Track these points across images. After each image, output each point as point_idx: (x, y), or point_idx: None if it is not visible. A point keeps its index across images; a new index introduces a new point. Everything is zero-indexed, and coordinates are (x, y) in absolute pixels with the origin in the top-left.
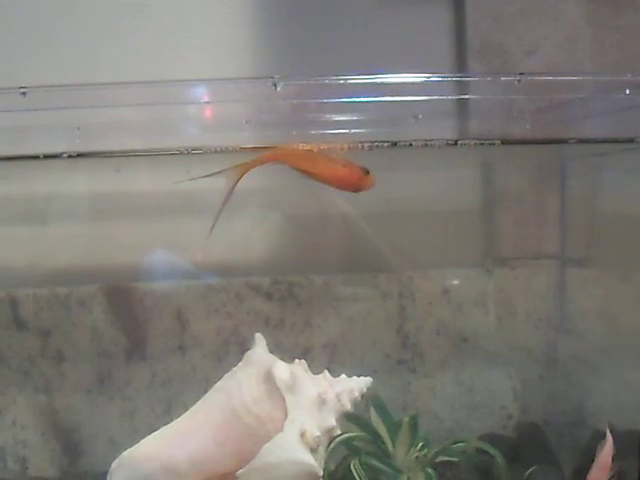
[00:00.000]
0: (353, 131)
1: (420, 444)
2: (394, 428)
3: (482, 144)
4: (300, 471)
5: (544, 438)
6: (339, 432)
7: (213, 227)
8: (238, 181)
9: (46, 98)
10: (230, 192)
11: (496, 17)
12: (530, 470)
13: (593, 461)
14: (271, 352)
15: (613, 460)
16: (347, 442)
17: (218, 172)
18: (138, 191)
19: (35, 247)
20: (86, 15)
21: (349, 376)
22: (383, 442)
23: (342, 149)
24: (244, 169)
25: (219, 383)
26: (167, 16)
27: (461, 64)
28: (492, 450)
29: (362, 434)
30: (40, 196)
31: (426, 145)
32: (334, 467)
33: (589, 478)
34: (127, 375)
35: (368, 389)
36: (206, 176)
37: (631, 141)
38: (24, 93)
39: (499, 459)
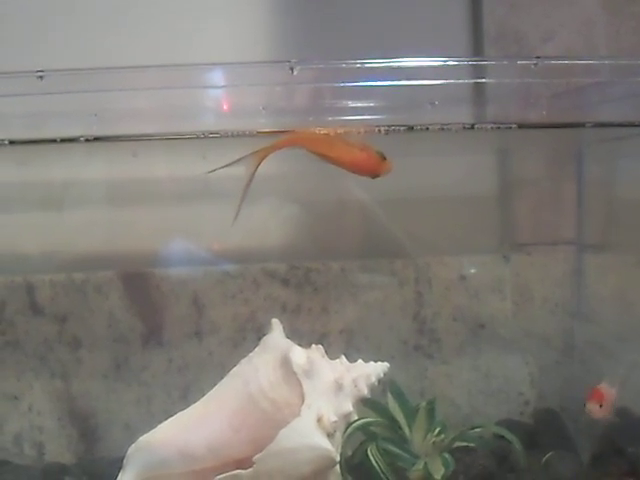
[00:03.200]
0: (369, 116)
1: (437, 430)
2: (411, 414)
3: (499, 128)
4: (317, 456)
5: (561, 424)
6: (356, 417)
7: (237, 215)
8: (258, 167)
9: (63, 82)
10: (250, 179)
11: (512, 3)
12: (547, 456)
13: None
14: (288, 338)
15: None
16: (364, 427)
17: (237, 160)
18: (155, 176)
19: (51, 233)
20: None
21: (366, 362)
22: (400, 428)
23: (358, 133)
24: (262, 155)
25: (235, 368)
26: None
27: (478, 50)
28: (509, 436)
29: (379, 419)
30: (57, 181)
31: (442, 129)
32: (351, 452)
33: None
34: (143, 361)
35: (385, 374)
36: (226, 166)
37: None
38: (41, 77)
39: (516, 445)
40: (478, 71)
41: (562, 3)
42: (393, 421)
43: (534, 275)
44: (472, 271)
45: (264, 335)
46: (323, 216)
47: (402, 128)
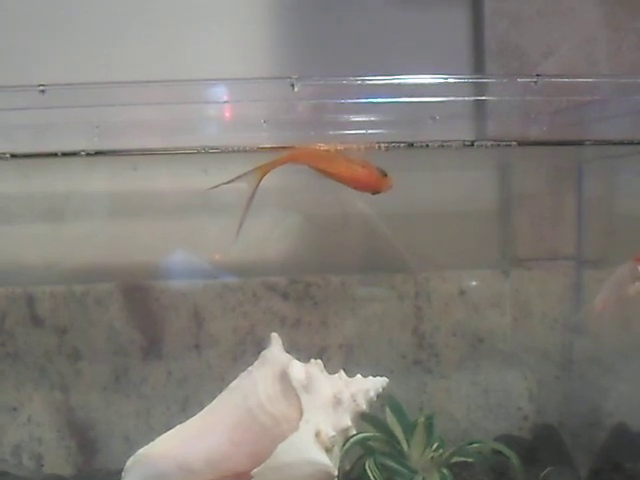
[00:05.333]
0: (370, 132)
1: (435, 444)
2: (409, 428)
3: (498, 145)
4: (315, 471)
5: (560, 439)
6: (354, 432)
7: (238, 232)
8: (259, 184)
9: (65, 96)
10: (252, 196)
11: (514, 19)
12: (545, 471)
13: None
14: (287, 352)
15: None
16: (362, 442)
17: (238, 177)
18: (155, 190)
19: (52, 244)
20: (104, 13)
21: (365, 376)
22: (398, 442)
23: (359, 149)
24: (263, 171)
25: (235, 382)
26: (186, 14)
27: (479, 66)
28: (507, 451)
29: (377, 434)
30: (58, 194)
31: (442, 146)
32: (349, 467)
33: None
34: (143, 373)
35: (384, 389)
36: (227, 182)
37: None
38: (43, 91)
39: (514, 460)
40: (479, 88)
41: (563, 19)
42: (391, 436)
43: (534, 290)
44: (472, 286)
45: (263, 349)
46: (324, 230)
47: (402, 145)
